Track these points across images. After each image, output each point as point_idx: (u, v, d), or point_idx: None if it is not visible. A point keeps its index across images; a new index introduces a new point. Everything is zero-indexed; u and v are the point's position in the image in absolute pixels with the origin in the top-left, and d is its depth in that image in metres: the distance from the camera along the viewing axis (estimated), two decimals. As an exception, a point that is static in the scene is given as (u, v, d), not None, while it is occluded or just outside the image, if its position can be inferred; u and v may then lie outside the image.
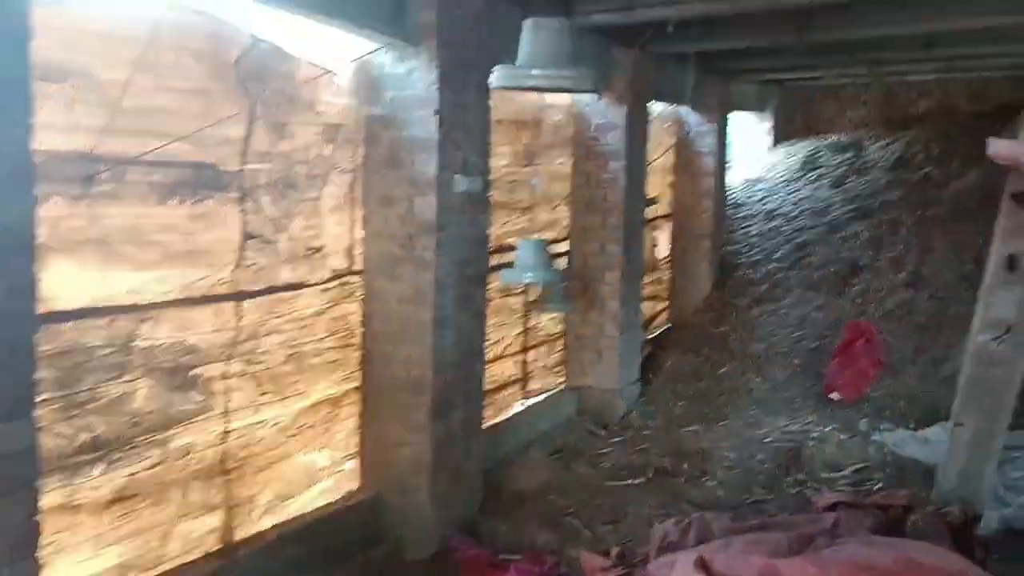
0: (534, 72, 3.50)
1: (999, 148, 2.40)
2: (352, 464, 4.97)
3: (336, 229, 4.72)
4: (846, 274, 8.95)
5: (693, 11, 5.71)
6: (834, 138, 11.30)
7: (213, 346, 3.97)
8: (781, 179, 10.86)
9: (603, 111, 7.00)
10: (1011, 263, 4.17)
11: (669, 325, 9.22)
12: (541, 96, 6.57)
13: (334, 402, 4.82)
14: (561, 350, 7.35)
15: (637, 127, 7.16)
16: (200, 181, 3.81)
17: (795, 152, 11.31)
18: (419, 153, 4.64)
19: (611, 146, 6.98)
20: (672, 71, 8.05)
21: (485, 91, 4.95)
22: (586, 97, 6.99)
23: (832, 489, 5.83)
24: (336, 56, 4.50)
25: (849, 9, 6.78)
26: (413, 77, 4.61)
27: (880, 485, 5.85)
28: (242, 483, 4.23)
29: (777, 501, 5.64)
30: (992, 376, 4.37)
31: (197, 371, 3.91)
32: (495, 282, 5.64)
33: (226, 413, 4.09)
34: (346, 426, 4.92)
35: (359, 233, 4.83)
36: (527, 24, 3.70)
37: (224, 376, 4.04)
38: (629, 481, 5.95)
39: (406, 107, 4.64)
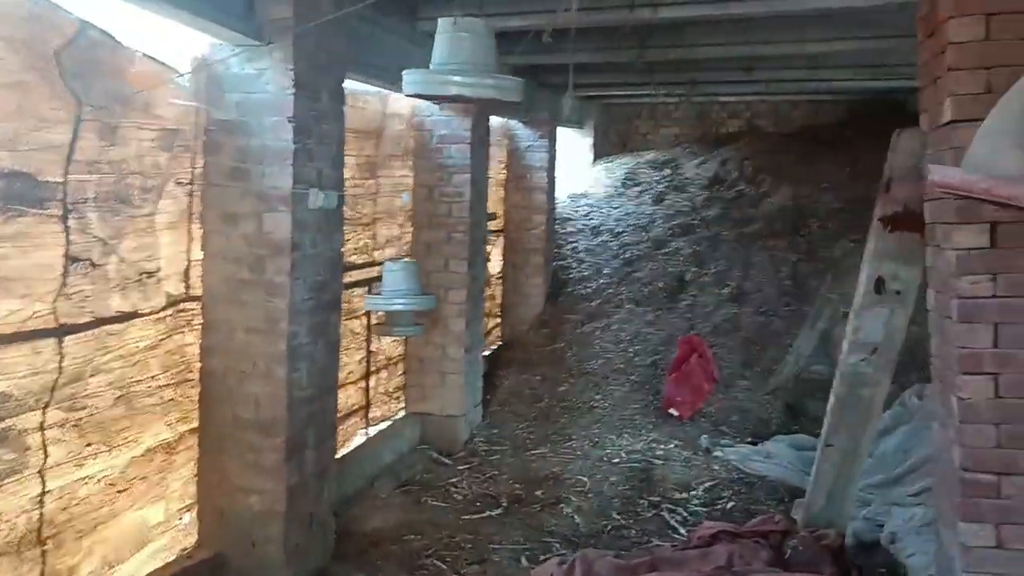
0: (456, 79, 3.10)
1: (948, 178, 2.29)
2: (190, 517, 4.35)
3: (172, 249, 4.11)
4: (673, 289, 9.11)
5: (540, 22, 5.51)
6: (652, 155, 11.55)
7: (28, 392, 3.29)
8: (604, 194, 10.96)
9: (446, 122, 6.68)
10: (878, 286, 4.23)
11: (501, 343, 9.02)
12: (384, 104, 6.16)
13: (168, 448, 4.19)
14: (401, 374, 6.94)
15: (481, 140, 6.89)
16: (13, 194, 3.14)
17: (615, 168, 11.47)
18: (270, 164, 4.13)
19: (455, 159, 6.67)
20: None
21: (340, 98, 4.51)
22: (427, 107, 6.65)
23: (686, 509, 5.82)
24: (176, 52, 3.91)
25: (683, 31, 6.89)
26: (264, 79, 4.10)
27: (732, 503, 5.89)
28: (61, 552, 3.55)
29: (637, 526, 5.52)
30: (860, 397, 4.43)
31: (7, 424, 3.23)
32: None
33: (42, 471, 3.41)
34: (182, 475, 4.30)
35: (197, 254, 4.24)
36: (444, 23, 3.31)
37: (41, 427, 3.37)
38: (486, 513, 5.64)
39: (255, 112, 4.12)
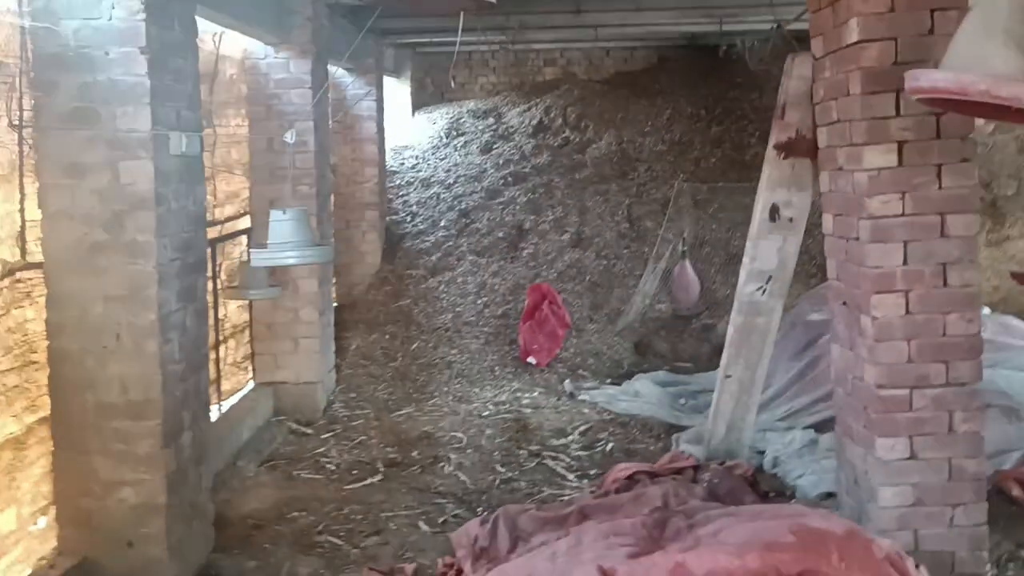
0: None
1: (939, 82, 2.20)
2: (46, 521, 3.73)
3: (1, 209, 3.44)
4: (514, 238, 8.98)
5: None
6: (472, 104, 11.30)
7: None
8: (429, 146, 10.61)
9: (283, 65, 6.11)
10: (772, 213, 4.24)
11: (337, 304, 8.54)
12: (215, 45, 5.53)
13: (16, 443, 3.55)
14: (248, 342, 6.39)
15: (321, 85, 6.38)
16: None
17: (437, 119, 11.13)
18: (122, 104, 3.53)
19: (296, 105, 6.13)
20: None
21: (192, 27, 3.95)
22: (262, 50, 6.06)
23: (567, 455, 5.73)
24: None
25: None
26: (107, 3, 3.47)
27: (611, 444, 5.87)
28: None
29: (524, 477, 5.37)
30: (756, 326, 4.46)
31: None
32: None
33: None
34: (33, 473, 3.67)
35: (35, 213, 3.58)
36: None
37: None
38: (367, 481, 5.28)
39: (99, 42, 3.50)
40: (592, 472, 5.42)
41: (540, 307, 7.70)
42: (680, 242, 8.18)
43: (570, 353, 7.66)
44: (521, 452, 5.80)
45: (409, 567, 3.92)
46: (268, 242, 4.17)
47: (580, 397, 6.78)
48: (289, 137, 4.60)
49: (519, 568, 3.23)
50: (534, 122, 10.63)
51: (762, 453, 5.21)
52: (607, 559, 3.02)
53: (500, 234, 9.01)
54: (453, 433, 6.09)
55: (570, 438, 6.02)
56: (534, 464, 5.60)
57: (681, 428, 6.04)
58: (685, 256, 8.09)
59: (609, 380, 7.27)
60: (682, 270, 8.07)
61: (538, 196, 9.43)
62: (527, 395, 6.89)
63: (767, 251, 4.31)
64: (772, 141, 4.19)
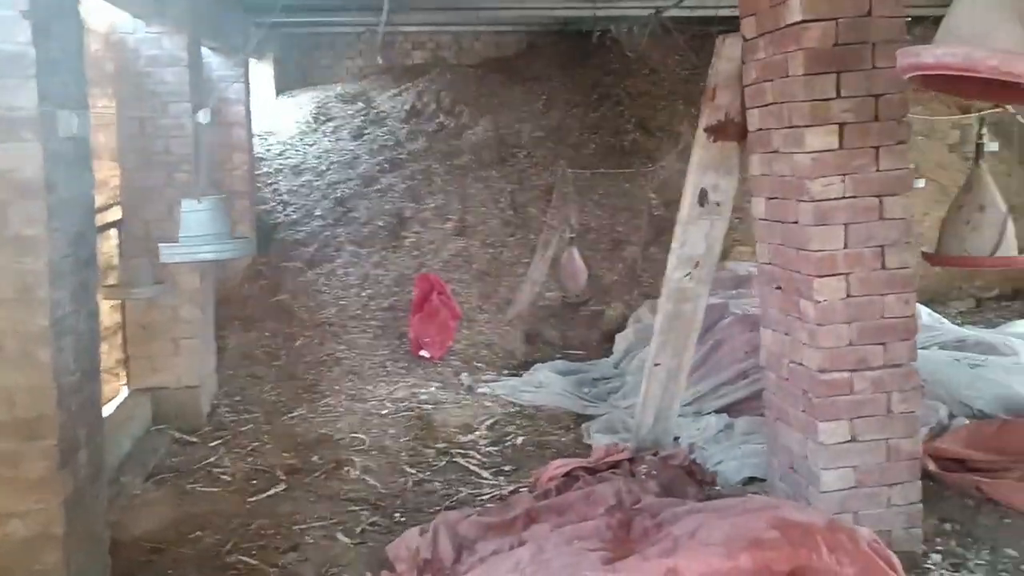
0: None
1: (945, 57, 2.12)
2: (-85, 565, 3.20)
3: None
4: (395, 227, 8.67)
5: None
6: (340, 88, 10.84)
7: None
8: (296, 131, 10.09)
9: (155, 41, 5.57)
10: (702, 197, 4.17)
11: (207, 300, 7.98)
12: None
13: None
14: (121, 345, 5.82)
15: (196, 62, 5.87)
16: None
17: (303, 103, 10.61)
18: (1, 77, 3.04)
19: (171, 85, 5.60)
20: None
21: (75, -8, 3.47)
22: (131, 23, 5.50)
23: (478, 452, 5.53)
24: None
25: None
26: (-22, -43, 2.98)
27: (521, 438, 5.70)
28: None
29: (437, 477, 5.12)
30: (683, 313, 4.38)
31: None
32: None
33: None
34: (-101, 509, 3.14)
35: None
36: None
37: None
38: (271, 492, 4.89)
39: (-29, 4, 2.99)
40: (507, 468, 5.24)
41: (429, 298, 7.43)
42: (566, 229, 8.08)
43: (463, 345, 7.44)
44: (429, 451, 5.55)
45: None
46: (180, 235, 3.73)
47: (480, 390, 6.58)
48: (202, 117, 4.14)
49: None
50: (406, 107, 10.31)
51: (676, 439, 5.18)
52: (581, 567, 2.84)
53: (380, 223, 8.67)
54: (353, 434, 5.75)
55: (477, 433, 5.82)
56: (444, 463, 5.36)
57: (588, 417, 5.96)
58: (572, 243, 7.99)
59: (506, 371, 7.11)
60: (570, 257, 7.95)
61: (417, 183, 9.14)
62: (425, 390, 6.63)
63: (695, 236, 4.24)
64: (702, 124, 4.11)
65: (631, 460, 4.14)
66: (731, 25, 4.39)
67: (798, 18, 3.50)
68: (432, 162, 9.38)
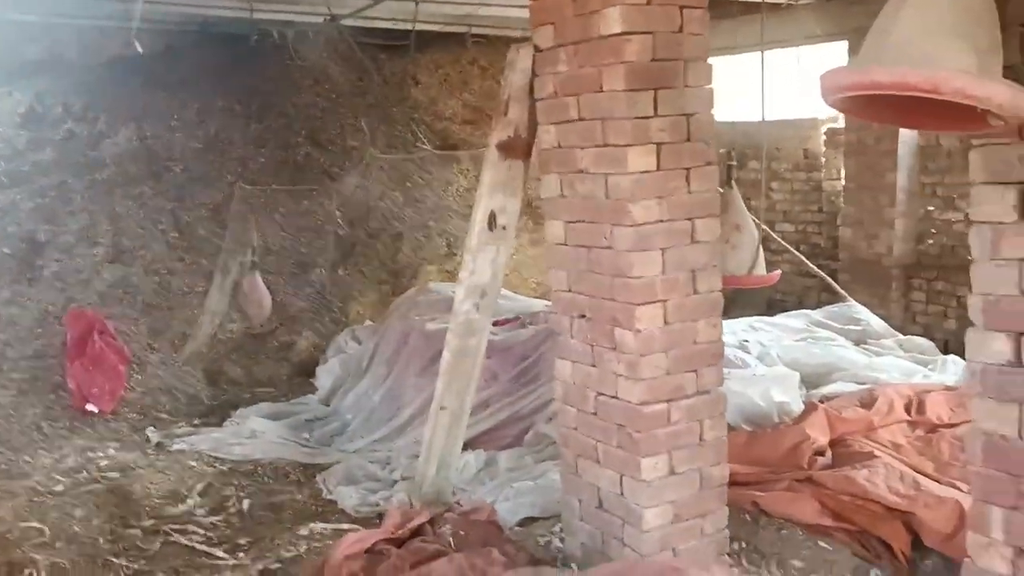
0: None
1: (905, 77, 1.94)
2: None
3: None
4: (27, 255, 7.14)
5: None
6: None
7: None
8: None
9: None
10: (491, 221, 3.79)
11: None
12: None
13: None
14: None
15: None
16: None
17: None
18: None
19: None
20: None
21: None
22: None
23: (198, 525, 4.61)
24: None
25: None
26: None
27: (248, 501, 4.88)
28: None
29: (159, 565, 4.16)
30: (469, 348, 3.95)
31: None
32: None
33: None
34: None
35: None
36: None
37: None
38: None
39: None
40: (242, 542, 4.41)
41: (90, 339, 6.18)
42: (246, 252, 7.23)
43: (137, 393, 6.30)
44: (134, 532, 4.51)
45: None
46: None
47: (175, 447, 5.55)
48: None
49: None
50: (22, 110, 8.61)
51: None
52: None
53: (6, 250, 7.08)
54: (26, 525, 4.49)
55: (191, 502, 4.86)
56: (160, 545, 4.39)
57: (317, 467, 5.28)
58: (254, 267, 7.17)
59: (197, 420, 6.12)
60: (252, 283, 7.14)
61: (50, 201, 7.64)
62: (102, 453, 5.44)
63: (483, 263, 3.84)
64: (493, 140, 3.72)
65: (431, 521, 3.61)
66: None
67: (617, 30, 3.26)
68: (67, 176, 7.89)
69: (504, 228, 3.87)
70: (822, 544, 4.03)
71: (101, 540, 4.38)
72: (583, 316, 3.67)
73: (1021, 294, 2.31)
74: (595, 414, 3.68)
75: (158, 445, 5.62)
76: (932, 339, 6.53)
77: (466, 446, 5.18)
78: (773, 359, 5.56)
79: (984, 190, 2.40)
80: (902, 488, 4.04)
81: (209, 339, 6.99)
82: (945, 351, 6.23)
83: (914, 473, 4.18)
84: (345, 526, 4.38)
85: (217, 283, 7.10)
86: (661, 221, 3.41)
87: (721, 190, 4.13)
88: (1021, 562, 2.37)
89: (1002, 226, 2.35)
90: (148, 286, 7.15)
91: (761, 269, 4.40)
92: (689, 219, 3.49)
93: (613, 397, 3.57)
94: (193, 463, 5.33)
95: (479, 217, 3.78)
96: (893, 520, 3.94)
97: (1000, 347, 2.35)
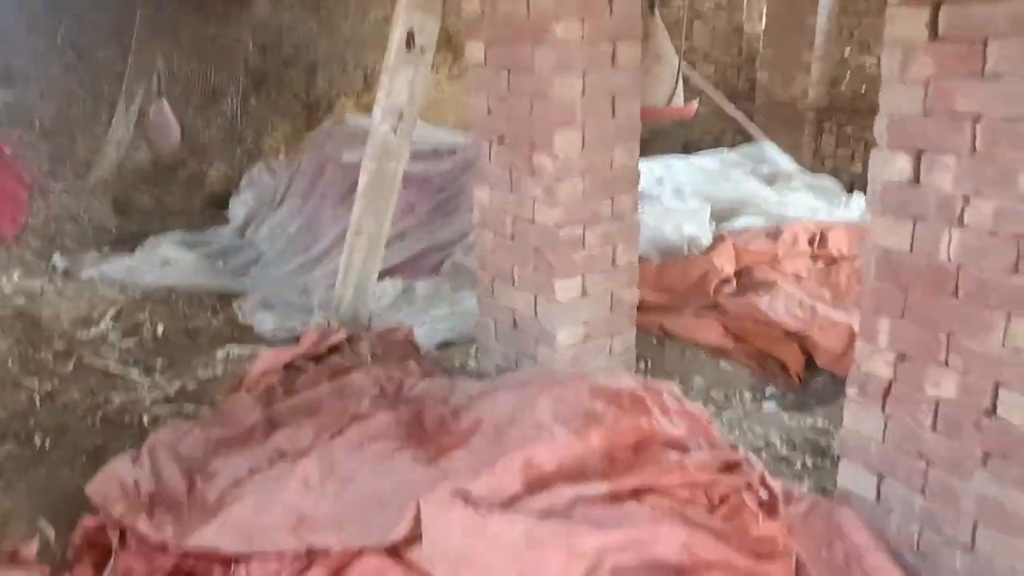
0: None
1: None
2: None
3: None
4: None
5: None
6: None
7: None
8: None
9: None
10: (409, 40, 3.68)
11: None
12: None
13: None
14: None
15: None
16: None
17: None
18: None
19: None
20: None
21: None
22: None
23: (113, 348, 4.60)
24: None
25: None
26: None
27: (162, 326, 4.85)
28: None
29: (77, 389, 4.13)
30: (386, 172, 3.91)
31: None
32: None
33: None
34: None
35: None
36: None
37: None
38: None
39: None
40: (159, 364, 4.42)
41: (-15, 163, 5.92)
42: (153, 79, 6.91)
43: (40, 220, 6.10)
44: (45, 355, 4.47)
45: (28, 547, 2.73)
46: None
47: (86, 275, 5.44)
48: None
49: (261, 511, 2.43)
50: None
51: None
52: (401, 473, 2.42)
53: None
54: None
55: (103, 327, 4.82)
56: (73, 367, 4.37)
57: (233, 295, 5.26)
58: (161, 96, 6.88)
59: (107, 248, 5.98)
60: (159, 111, 6.87)
61: (-70, 16, 7.07)
62: (6, 280, 5.30)
63: (400, 84, 3.75)
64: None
65: (349, 340, 3.67)
66: None
67: None
68: (-53, -11, 7.29)
69: (423, 50, 3.77)
70: (723, 365, 4.27)
71: (10, 362, 4.33)
72: (502, 141, 3.66)
73: (924, 114, 2.39)
74: (512, 238, 3.74)
75: (65, 272, 5.50)
76: (839, 180, 6.74)
77: (384, 275, 5.25)
78: (686, 195, 5.67)
79: (899, 11, 2.43)
80: (800, 313, 4.27)
81: (115, 167, 6.74)
82: (851, 191, 6.45)
83: (812, 300, 4.40)
84: (263, 349, 4.41)
85: (121, 111, 6.80)
86: (583, 40, 3.37)
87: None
88: (901, 366, 2.55)
89: (913, 47, 2.39)
90: (46, 111, 6.78)
91: (679, 101, 4.42)
92: (611, 42, 3.46)
93: (530, 221, 3.62)
94: (104, 290, 5.26)
95: (397, 36, 3.67)
96: (790, 343, 4.19)
97: (902, 165, 2.44)
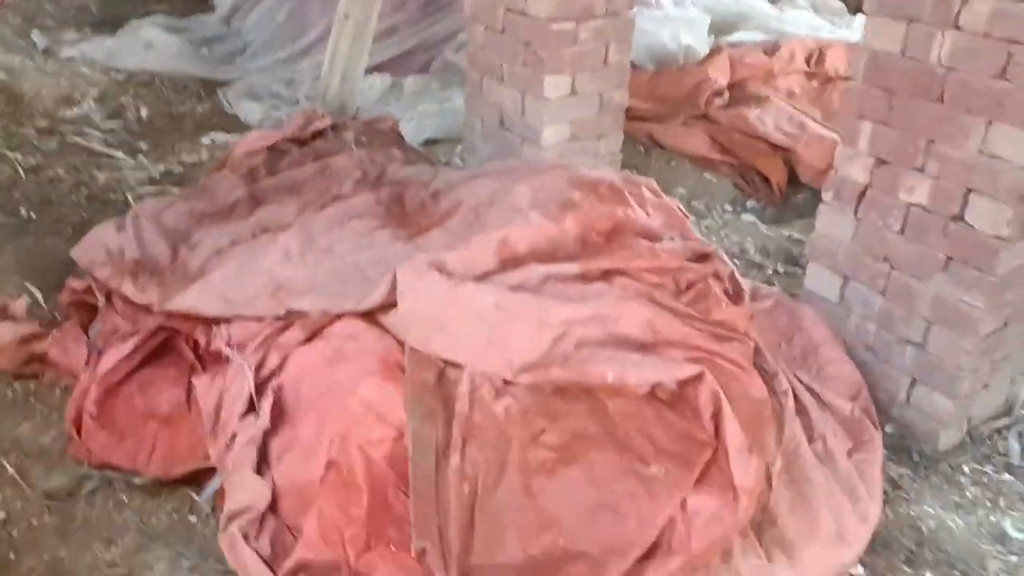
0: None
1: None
2: None
3: None
4: None
5: None
6: None
7: None
8: None
9: None
10: None
11: None
12: None
13: None
14: None
15: None
16: None
17: None
18: None
19: None
20: None
21: None
22: None
23: (96, 128, 4.56)
24: None
25: None
26: None
27: (145, 110, 4.80)
28: None
29: (61, 163, 4.13)
30: (376, -47, 3.76)
31: None
32: None
33: None
34: None
35: None
36: None
37: None
38: None
39: None
40: (143, 145, 4.41)
41: (-42, -69, 5.63)
42: None
43: (9, -4, 5.87)
44: (28, 131, 4.44)
45: (18, 303, 2.81)
46: None
47: (66, 55, 5.30)
48: None
49: (241, 277, 2.49)
50: None
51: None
52: (379, 249, 2.48)
53: None
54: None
55: (85, 107, 4.76)
56: (57, 144, 4.35)
57: (218, 83, 5.17)
58: None
59: (88, 29, 5.80)
60: None
61: None
62: (-15, 58, 5.18)
63: None
64: None
65: (334, 127, 3.64)
66: None
67: None
68: None
69: None
70: (707, 176, 4.29)
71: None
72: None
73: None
74: (503, 31, 3.65)
75: (46, 51, 5.36)
76: (846, 1, 6.52)
77: (372, 72, 5.15)
78: (686, 3, 5.50)
79: None
80: (788, 128, 4.25)
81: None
82: (857, 13, 6.25)
83: (802, 116, 4.37)
84: (249, 136, 4.39)
85: None
86: None
87: None
88: (877, 171, 2.58)
89: None
90: None
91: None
92: None
93: (522, 13, 3.52)
94: (86, 71, 5.14)
95: None
96: (774, 156, 4.19)
97: (902, -37, 2.39)
